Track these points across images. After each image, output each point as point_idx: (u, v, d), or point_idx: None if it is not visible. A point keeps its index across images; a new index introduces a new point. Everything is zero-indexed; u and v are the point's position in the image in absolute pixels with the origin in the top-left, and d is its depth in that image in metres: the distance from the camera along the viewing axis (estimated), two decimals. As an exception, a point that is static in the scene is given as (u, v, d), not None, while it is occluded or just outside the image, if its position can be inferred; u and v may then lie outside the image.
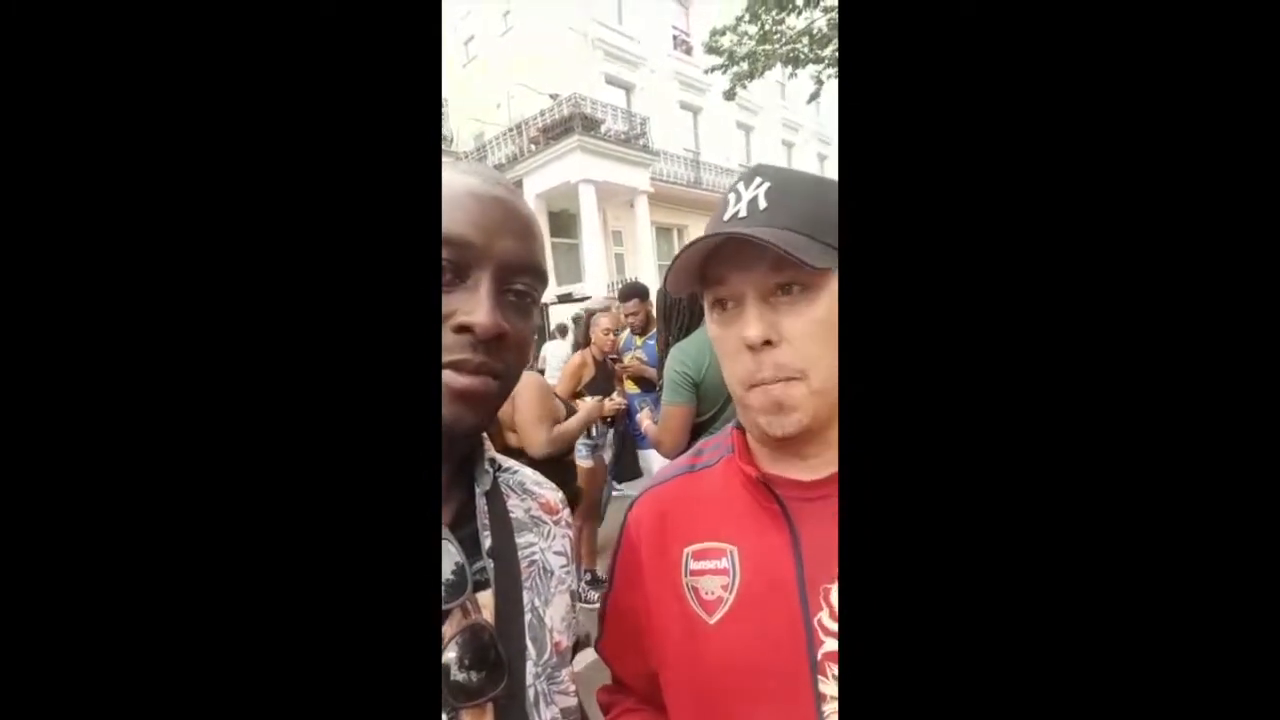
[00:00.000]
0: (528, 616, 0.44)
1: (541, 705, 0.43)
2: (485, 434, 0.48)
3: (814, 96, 6.70)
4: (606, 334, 2.66)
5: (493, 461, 0.49)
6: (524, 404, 1.95)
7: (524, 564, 0.46)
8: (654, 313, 2.26)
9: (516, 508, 0.49)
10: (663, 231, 12.32)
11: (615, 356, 2.73)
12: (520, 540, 0.46)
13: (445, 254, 0.38)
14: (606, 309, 2.81)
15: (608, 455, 2.74)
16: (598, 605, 0.62)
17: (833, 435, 0.48)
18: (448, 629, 0.39)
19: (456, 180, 0.40)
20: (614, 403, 2.33)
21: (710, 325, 0.51)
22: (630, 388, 2.71)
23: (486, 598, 0.42)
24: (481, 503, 0.45)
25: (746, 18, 6.15)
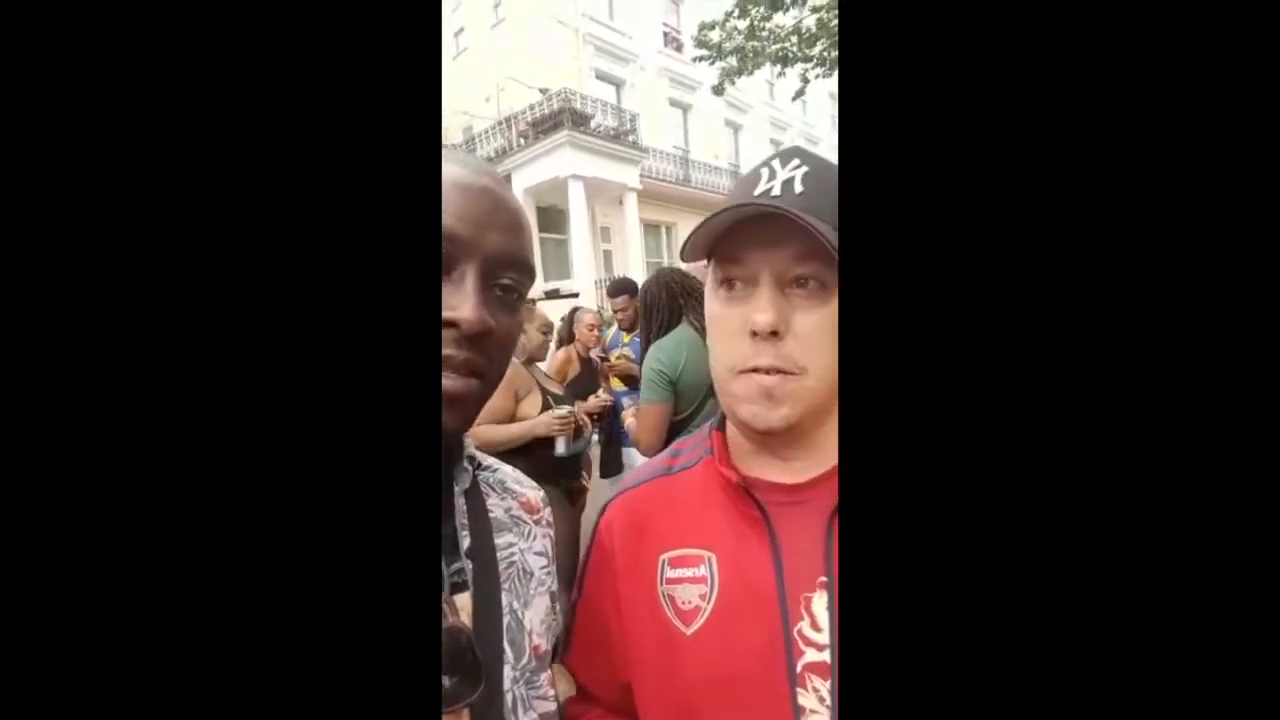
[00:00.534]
0: (506, 619, 0.43)
1: (520, 710, 0.43)
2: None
3: (799, 94, 6.72)
4: (591, 330, 2.65)
5: (472, 459, 0.47)
6: None
7: (503, 565, 0.45)
8: None
9: (496, 507, 0.47)
10: (651, 228, 12.30)
11: (603, 355, 2.72)
12: (500, 541, 0.45)
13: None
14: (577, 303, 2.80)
15: (594, 452, 2.73)
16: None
17: (818, 437, 0.47)
18: None
19: (445, 171, 0.39)
20: (598, 400, 2.32)
21: (711, 302, 0.48)
22: (617, 385, 2.70)
23: (464, 600, 0.41)
24: (460, 502, 0.44)
25: (735, 13, 6.15)
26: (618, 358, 2.69)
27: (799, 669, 0.43)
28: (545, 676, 0.46)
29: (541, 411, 1.92)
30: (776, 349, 0.43)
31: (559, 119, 9.49)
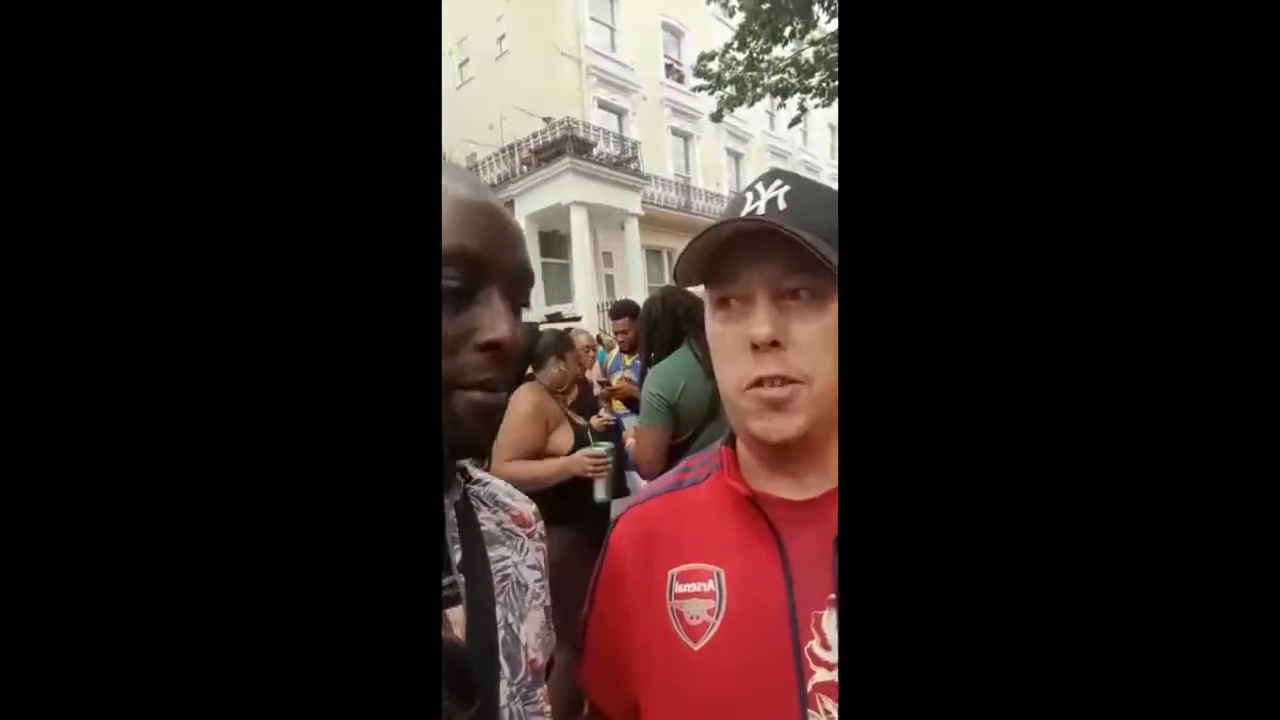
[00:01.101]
0: (501, 634, 0.42)
1: (515, 727, 0.42)
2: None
3: (795, 121, 6.85)
4: (586, 351, 2.65)
5: (462, 471, 0.47)
6: (503, 423, 1.79)
7: (497, 578, 0.44)
8: None
9: (488, 520, 0.47)
10: (653, 254, 12.41)
11: (604, 380, 2.72)
12: (492, 554, 0.45)
13: (457, 269, 0.37)
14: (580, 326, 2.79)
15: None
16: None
17: (828, 451, 0.47)
18: None
19: (447, 189, 0.39)
20: (600, 419, 2.32)
21: (711, 324, 0.49)
22: (619, 407, 2.69)
23: (457, 614, 0.41)
24: (451, 515, 0.44)
25: (735, 45, 6.30)
26: (620, 380, 2.69)
27: (810, 689, 0.43)
28: (542, 691, 0.45)
29: (574, 447, 1.79)
30: (779, 359, 0.44)
31: (561, 147, 9.64)
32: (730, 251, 0.46)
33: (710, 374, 1.72)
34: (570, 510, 1.70)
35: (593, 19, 11.75)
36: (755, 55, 6.26)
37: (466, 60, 12.62)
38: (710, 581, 0.48)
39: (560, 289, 10.80)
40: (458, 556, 0.42)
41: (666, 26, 13.35)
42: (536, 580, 0.48)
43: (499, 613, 0.43)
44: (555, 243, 10.93)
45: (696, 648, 0.47)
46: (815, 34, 5.95)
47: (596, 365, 2.69)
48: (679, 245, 12.56)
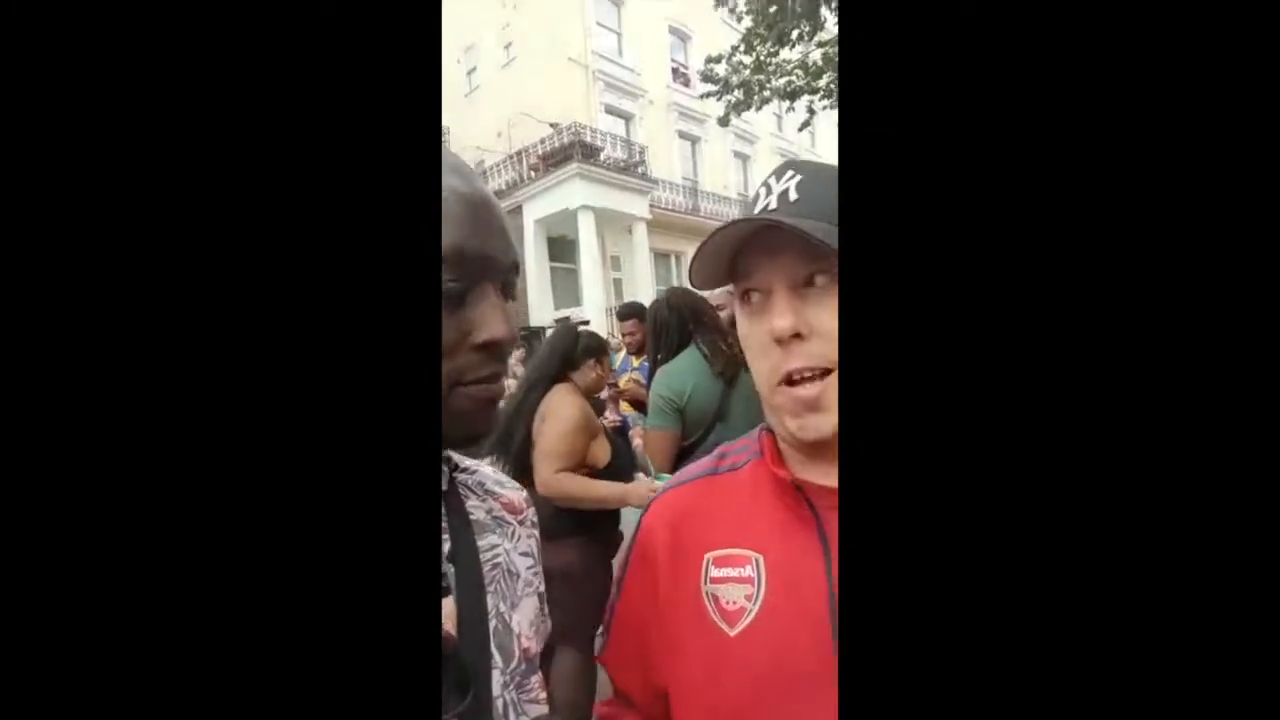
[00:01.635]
0: (493, 623, 0.42)
1: (511, 715, 0.41)
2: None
3: (805, 125, 6.83)
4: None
5: (448, 460, 0.47)
6: (548, 428, 1.62)
7: (487, 567, 0.44)
8: None
9: (477, 509, 0.47)
10: (661, 257, 12.42)
11: (612, 381, 2.72)
12: (482, 543, 0.45)
13: (454, 269, 0.37)
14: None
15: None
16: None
17: None
18: None
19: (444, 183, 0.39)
20: (608, 420, 2.31)
21: (739, 321, 0.50)
22: (625, 408, 2.69)
23: (448, 606, 0.40)
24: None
25: (742, 48, 6.30)
26: (627, 381, 2.68)
27: None
28: (536, 679, 0.45)
29: (609, 460, 1.71)
30: (804, 351, 0.44)
31: (569, 152, 9.70)
32: (746, 249, 0.47)
33: (718, 374, 1.71)
34: (583, 518, 1.69)
35: (599, 24, 11.82)
36: (762, 59, 6.26)
37: (474, 68, 12.73)
38: (749, 567, 0.47)
39: (569, 293, 10.83)
40: (447, 546, 0.42)
41: (673, 30, 13.40)
42: (529, 567, 0.48)
43: (490, 602, 0.43)
44: (563, 247, 10.97)
45: (733, 633, 0.46)
46: (823, 35, 5.93)
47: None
48: (687, 248, 12.60)
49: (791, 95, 6.53)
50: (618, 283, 11.42)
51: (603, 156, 10.20)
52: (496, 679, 0.41)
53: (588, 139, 10.08)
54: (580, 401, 1.71)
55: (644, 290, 10.38)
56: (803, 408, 0.44)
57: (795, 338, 0.44)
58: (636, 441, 1.93)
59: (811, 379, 0.44)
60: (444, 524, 0.43)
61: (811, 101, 6.56)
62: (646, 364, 2.56)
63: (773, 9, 5.69)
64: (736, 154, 14.91)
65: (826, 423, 0.44)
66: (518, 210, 10.20)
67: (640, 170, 10.85)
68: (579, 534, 1.67)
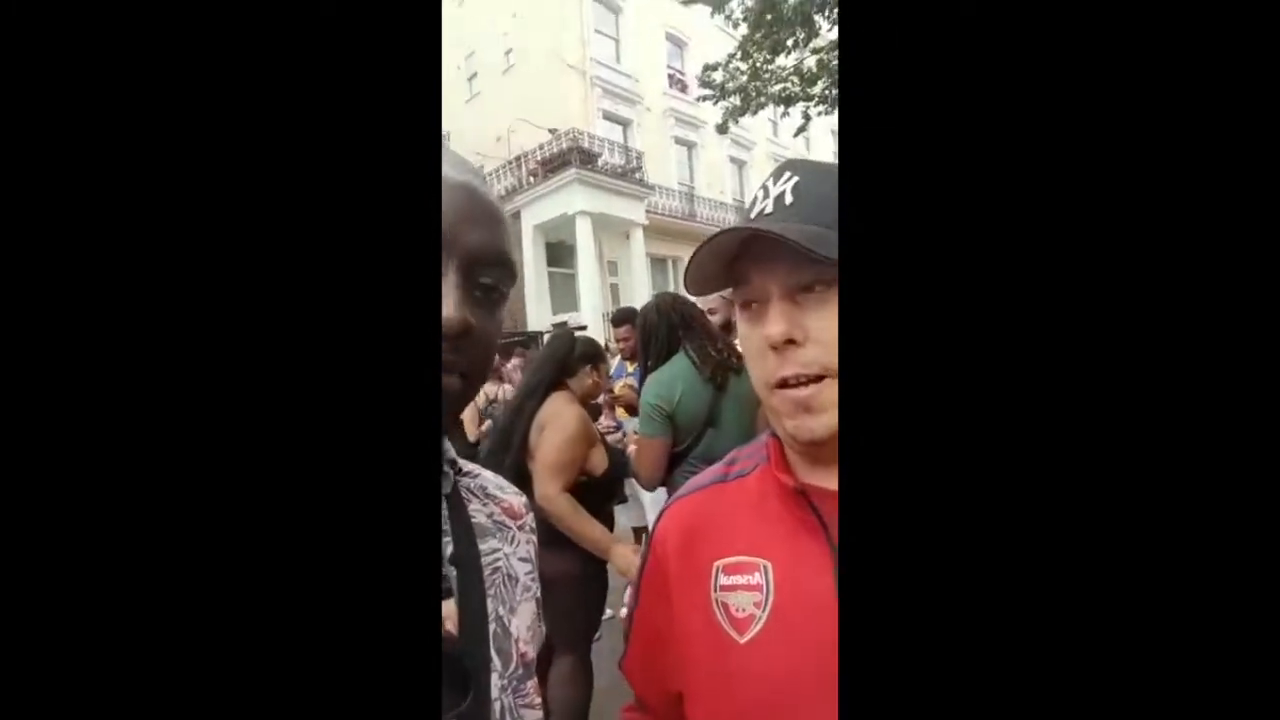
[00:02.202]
0: (493, 626, 0.43)
1: (508, 719, 0.42)
2: (445, 435, 0.48)
3: (801, 130, 6.87)
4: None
5: (453, 464, 0.48)
6: (547, 438, 1.61)
7: (488, 571, 0.45)
8: None
9: (478, 513, 0.48)
10: (658, 262, 12.43)
11: (607, 388, 2.72)
12: (483, 546, 0.45)
13: None
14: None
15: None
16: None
17: None
18: None
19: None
20: (603, 426, 2.32)
21: (740, 325, 0.50)
22: (621, 414, 2.70)
23: (449, 607, 0.41)
24: (442, 507, 0.44)
25: (739, 55, 6.34)
26: (622, 387, 2.69)
27: None
28: (532, 684, 0.46)
29: (607, 469, 1.69)
30: (799, 357, 0.44)
31: (567, 158, 9.72)
32: (743, 255, 0.46)
33: (708, 380, 1.70)
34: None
35: (597, 31, 11.86)
36: (759, 65, 6.30)
37: (474, 75, 12.77)
38: (756, 574, 0.47)
39: (566, 298, 10.84)
40: (449, 549, 0.43)
41: (670, 37, 13.45)
42: (527, 573, 0.49)
43: (490, 605, 0.43)
44: (561, 252, 10.98)
45: (742, 640, 0.46)
46: (818, 42, 5.97)
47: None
48: (683, 253, 12.60)
49: (786, 101, 6.58)
50: (615, 288, 11.43)
51: (600, 162, 10.23)
52: (495, 682, 0.42)
53: (586, 145, 10.10)
54: (578, 410, 1.70)
55: (641, 295, 10.37)
56: (797, 409, 0.44)
57: (790, 344, 0.44)
58: (631, 448, 1.93)
59: (806, 383, 0.44)
60: (446, 527, 0.44)
61: (807, 108, 6.60)
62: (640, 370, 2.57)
63: (768, 16, 5.73)
64: (733, 159, 14.94)
65: (821, 423, 0.44)
66: (516, 216, 10.20)
67: (637, 176, 10.88)
68: (568, 544, 1.66)
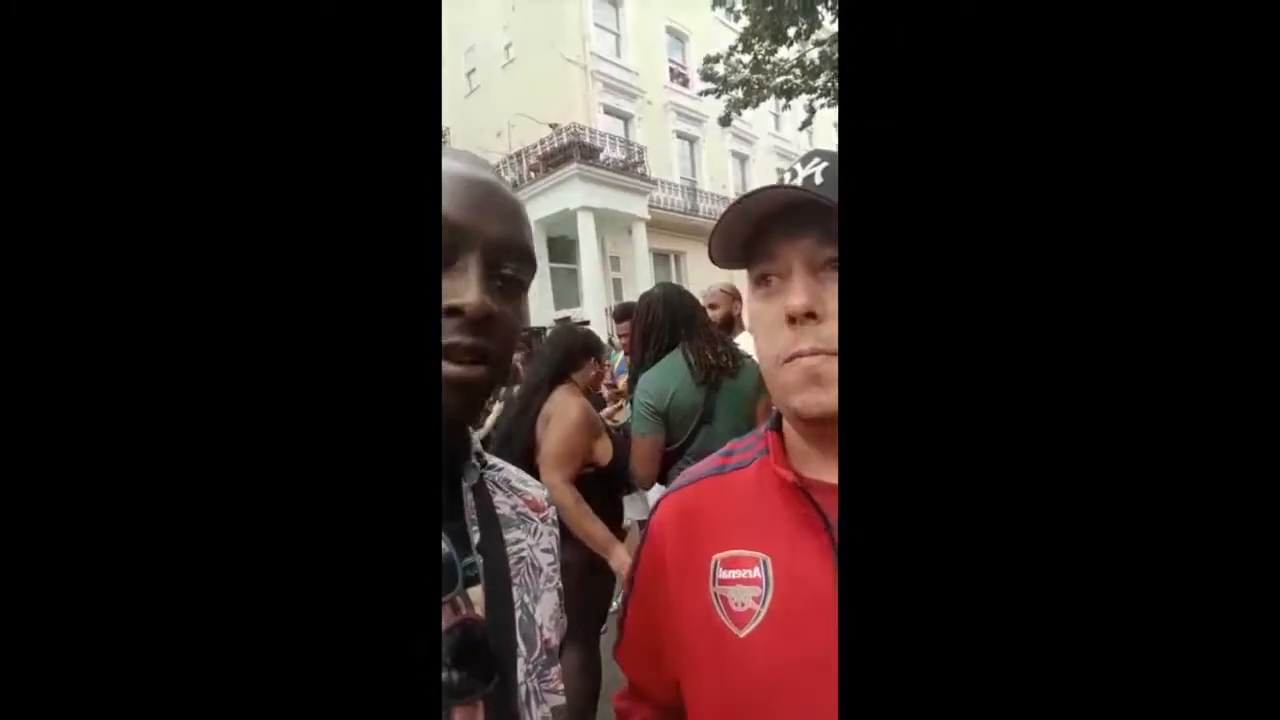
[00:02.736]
0: (518, 613, 0.44)
1: (533, 703, 0.44)
2: (470, 427, 0.48)
3: (806, 124, 6.84)
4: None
5: (479, 456, 0.49)
6: (553, 430, 1.64)
7: (512, 560, 0.46)
8: None
9: (503, 504, 0.49)
10: (660, 257, 12.42)
11: (611, 383, 2.73)
12: (508, 537, 0.47)
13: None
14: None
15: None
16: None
17: None
18: None
19: (445, 166, 0.40)
20: (611, 420, 2.33)
21: (751, 303, 0.49)
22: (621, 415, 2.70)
23: (477, 594, 0.42)
24: (469, 498, 0.45)
25: (740, 47, 6.32)
26: (626, 383, 2.70)
27: None
28: (555, 670, 0.47)
29: (612, 459, 1.72)
30: (817, 332, 0.44)
31: (568, 153, 9.70)
32: (768, 229, 0.46)
33: (701, 381, 1.68)
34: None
35: (597, 25, 11.81)
36: (760, 57, 6.27)
37: (474, 69, 12.73)
38: (756, 568, 0.47)
39: (569, 293, 10.84)
40: (476, 538, 0.44)
41: (670, 31, 13.38)
42: (549, 563, 0.50)
43: (515, 593, 0.45)
44: (563, 248, 10.97)
45: (741, 635, 0.46)
46: (820, 34, 5.94)
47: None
48: (686, 248, 12.56)
49: (788, 93, 6.55)
50: (617, 282, 11.43)
51: (602, 157, 10.20)
52: (520, 667, 0.43)
53: (587, 139, 10.08)
54: (583, 401, 1.72)
55: (643, 289, 10.36)
56: (807, 381, 0.44)
57: (809, 318, 0.44)
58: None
59: (820, 355, 0.44)
60: (474, 517, 0.45)
61: (810, 100, 6.57)
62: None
63: (769, 8, 5.70)
64: (735, 154, 14.89)
65: (829, 397, 0.43)
66: (517, 211, 10.16)
67: (639, 170, 10.85)
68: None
